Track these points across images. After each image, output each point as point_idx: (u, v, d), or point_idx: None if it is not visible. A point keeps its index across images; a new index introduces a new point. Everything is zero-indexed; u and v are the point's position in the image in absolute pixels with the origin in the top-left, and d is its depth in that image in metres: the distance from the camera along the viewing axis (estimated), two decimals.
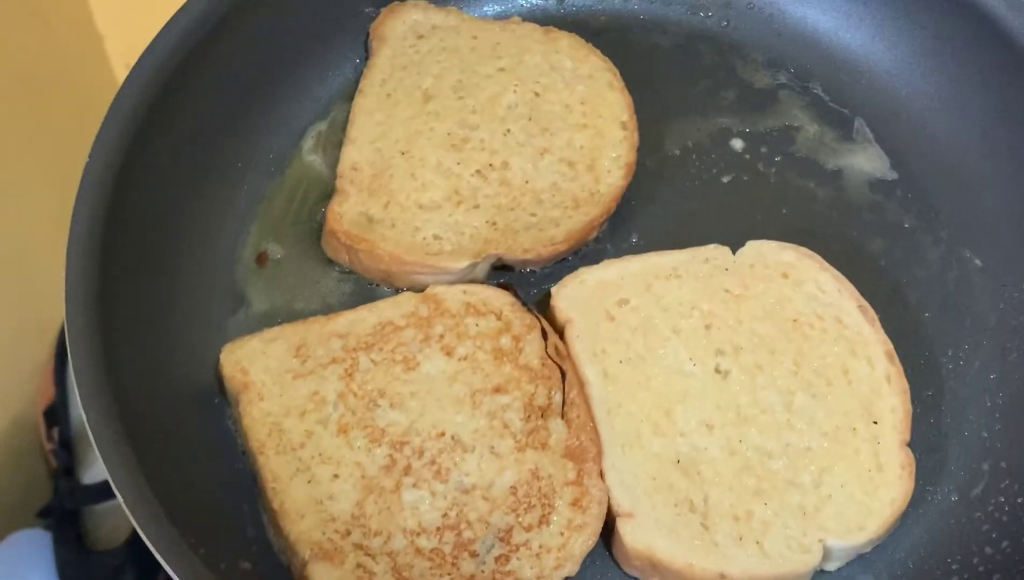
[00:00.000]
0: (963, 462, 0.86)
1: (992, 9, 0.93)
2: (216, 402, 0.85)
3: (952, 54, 0.97)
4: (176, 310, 0.86)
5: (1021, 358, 0.89)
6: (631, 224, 0.95)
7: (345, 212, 0.90)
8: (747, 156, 0.99)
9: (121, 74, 1.20)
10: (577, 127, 0.96)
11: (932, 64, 0.99)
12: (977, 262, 0.94)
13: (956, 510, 0.84)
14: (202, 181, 0.91)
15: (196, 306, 0.88)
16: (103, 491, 1.04)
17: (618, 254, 0.92)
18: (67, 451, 1.12)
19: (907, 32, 0.99)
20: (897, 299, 0.92)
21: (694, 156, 0.98)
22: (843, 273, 0.89)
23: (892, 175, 0.98)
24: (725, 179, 0.97)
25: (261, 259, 0.92)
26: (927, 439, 0.86)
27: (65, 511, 1.10)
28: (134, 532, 1.02)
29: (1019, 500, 0.82)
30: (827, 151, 0.99)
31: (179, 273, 0.87)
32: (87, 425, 0.74)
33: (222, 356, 0.84)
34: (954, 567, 0.81)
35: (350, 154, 0.93)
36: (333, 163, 0.95)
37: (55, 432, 1.13)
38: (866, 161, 0.98)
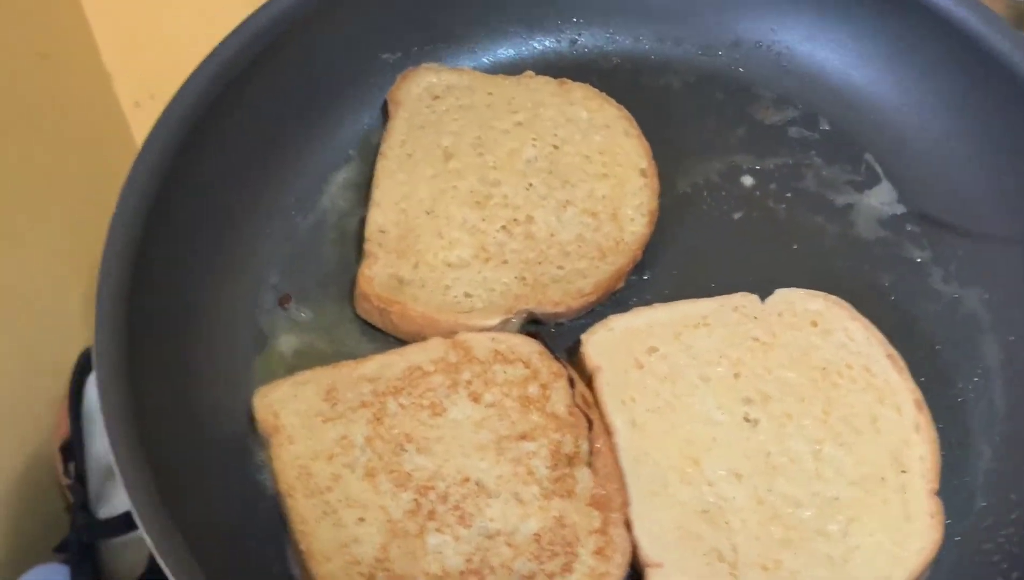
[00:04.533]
0: (974, 495, 0.86)
1: (996, 46, 0.93)
2: (244, 444, 0.86)
3: (959, 91, 0.98)
4: (201, 354, 0.88)
5: None
6: (645, 266, 0.95)
7: (375, 275, 0.91)
8: (757, 192, 1.00)
9: (130, 113, 1.21)
10: (597, 177, 0.97)
11: (939, 101, 0.99)
12: (986, 296, 0.94)
13: (969, 543, 0.83)
14: (226, 226, 0.93)
15: (221, 350, 0.89)
16: (119, 525, 1.05)
17: (638, 298, 0.92)
18: (83, 486, 1.13)
19: (914, 70, 1.00)
20: (908, 333, 0.91)
21: (705, 193, 1.00)
22: (854, 307, 0.89)
23: (901, 209, 0.98)
24: (736, 216, 0.98)
25: (283, 302, 0.94)
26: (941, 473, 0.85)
27: (82, 545, 1.11)
28: (150, 566, 1.04)
29: None
30: (836, 187, 1.00)
31: (204, 317, 0.89)
32: (115, 467, 0.75)
33: (255, 399, 0.86)
34: None
35: (376, 217, 0.94)
36: (352, 207, 0.97)
37: (71, 467, 1.14)
38: (875, 196, 0.99)
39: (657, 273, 0.96)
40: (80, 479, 1.16)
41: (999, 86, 0.94)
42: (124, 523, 1.10)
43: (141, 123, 1.26)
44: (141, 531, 0.73)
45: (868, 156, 1.01)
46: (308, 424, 0.84)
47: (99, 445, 1.19)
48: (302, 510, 0.80)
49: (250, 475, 0.86)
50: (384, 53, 1.04)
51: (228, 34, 0.94)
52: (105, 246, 0.83)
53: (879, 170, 1.00)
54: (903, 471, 0.82)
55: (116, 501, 1.16)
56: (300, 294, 0.94)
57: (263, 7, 0.96)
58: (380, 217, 0.95)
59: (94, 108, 1.30)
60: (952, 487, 0.85)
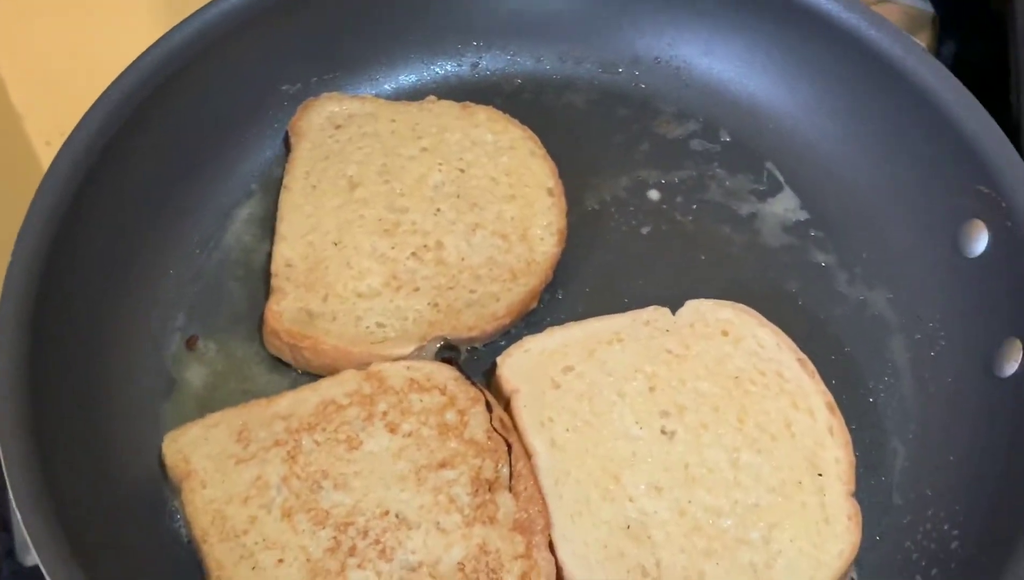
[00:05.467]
0: (891, 494, 0.87)
1: (887, 50, 0.96)
2: (157, 492, 0.84)
3: (853, 96, 1.00)
4: (109, 398, 0.86)
5: (939, 388, 0.90)
6: (558, 285, 0.95)
7: (284, 310, 0.90)
8: (664, 206, 1.01)
9: (42, 152, 1.20)
10: (505, 199, 0.97)
11: (834, 106, 1.02)
12: (890, 296, 0.96)
13: (889, 542, 0.85)
14: (128, 268, 0.91)
15: (128, 396, 0.87)
16: None
17: (552, 318, 0.92)
18: (8, 533, 1.10)
19: (809, 77, 1.03)
20: (817, 337, 0.93)
21: (613, 209, 1.00)
22: (763, 314, 0.90)
23: (804, 215, 1.00)
24: (644, 230, 0.99)
25: (191, 344, 0.92)
26: (855, 472, 0.86)
27: None
28: None
29: (945, 527, 0.83)
30: (740, 196, 1.01)
31: (109, 364, 0.87)
32: (22, 524, 0.72)
33: (164, 445, 0.83)
34: None
35: (282, 251, 0.93)
36: (258, 242, 0.96)
37: None
38: (778, 204, 1.01)
39: (570, 291, 0.96)
40: (4, 527, 1.12)
41: (890, 89, 0.96)
42: None
43: None
44: None
45: (769, 164, 1.03)
46: (220, 467, 0.82)
47: None
48: (218, 555, 0.78)
49: (165, 524, 0.84)
50: (283, 84, 1.03)
51: (119, 75, 0.92)
52: (2, 294, 0.80)
53: (781, 178, 1.02)
54: (819, 474, 0.83)
55: None
56: (208, 334, 0.92)
57: (157, 42, 0.95)
58: (287, 250, 0.93)
59: (4, 147, 1.27)
60: (869, 487, 0.87)
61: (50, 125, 1.23)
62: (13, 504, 1.12)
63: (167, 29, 0.95)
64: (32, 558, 1.12)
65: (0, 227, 1.11)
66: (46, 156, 1.27)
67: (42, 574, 1.09)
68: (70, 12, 1.23)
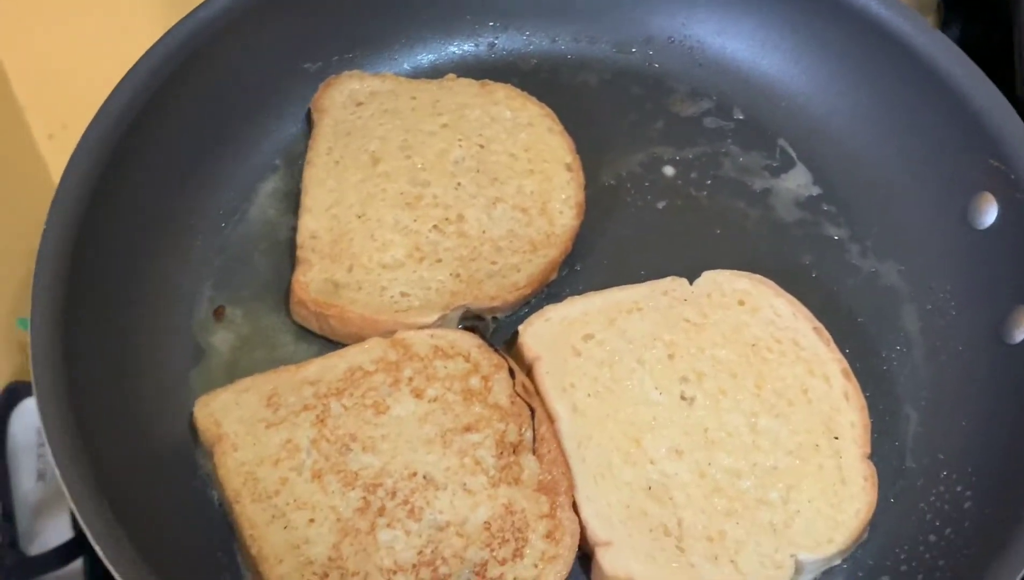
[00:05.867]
0: (905, 458, 0.89)
1: (897, 28, 0.98)
2: (189, 456, 0.86)
3: (863, 73, 1.02)
4: (140, 371, 0.87)
5: (950, 356, 0.92)
6: (576, 258, 0.97)
7: (311, 281, 0.92)
8: (679, 182, 1.03)
9: (44, 144, 1.20)
10: (525, 173, 0.99)
11: (845, 83, 1.03)
12: (902, 267, 0.98)
13: (902, 503, 0.87)
14: (155, 243, 0.93)
15: (159, 365, 0.89)
16: (51, 562, 1.03)
17: (571, 289, 0.94)
18: (11, 523, 1.11)
19: (819, 55, 1.04)
20: (831, 307, 0.95)
21: (629, 185, 1.02)
22: (778, 286, 0.92)
23: (816, 191, 1.02)
24: (660, 205, 1.01)
25: (218, 314, 0.93)
26: (870, 437, 0.87)
27: None
28: None
29: (958, 488, 0.85)
30: (754, 172, 1.03)
31: (140, 335, 0.89)
32: (60, 481, 0.74)
33: (195, 409, 0.85)
34: (902, 556, 0.84)
35: (307, 224, 0.95)
36: (282, 216, 0.98)
37: None
38: (791, 180, 1.03)
39: (588, 264, 0.98)
40: (7, 517, 1.13)
41: (901, 68, 0.98)
42: (56, 559, 1.08)
43: (55, 154, 1.25)
44: (95, 548, 0.72)
45: (782, 141, 1.05)
46: (251, 430, 0.84)
47: (26, 482, 1.16)
48: (251, 515, 0.80)
49: (196, 487, 0.85)
50: (305, 63, 1.04)
51: (146, 51, 0.94)
52: (35, 273, 0.82)
53: (793, 154, 1.04)
54: (835, 438, 0.85)
55: (46, 537, 1.13)
56: (235, 305, 0.94)
57: (180, 22, 0.96)
58: (312, 223, 0.95)
59: (6, 141, 1.28)
60: (883, 451, 0.89)
61: (52, 118, 1.24)
62: (14, 494, 1.14)
63: (170, 25, 0.96)
64: (35, 547, 1.14)
65: (2, 220, 1.12)
66: (48, 149, 1.28)
67: (43, 562, 1.11)
68: (74, 5, 1.24)
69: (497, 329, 0.94)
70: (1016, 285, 0.90)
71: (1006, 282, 0.91)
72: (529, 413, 0.86)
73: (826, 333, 0.90)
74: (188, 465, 0.86)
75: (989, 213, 0.93)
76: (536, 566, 0.80)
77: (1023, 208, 0.89)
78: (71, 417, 0.77)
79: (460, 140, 1.00)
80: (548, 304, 0.92)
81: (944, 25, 1.25)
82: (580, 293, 0.94)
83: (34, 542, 1.14)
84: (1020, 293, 0.89)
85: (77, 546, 0.98)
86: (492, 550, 0.80)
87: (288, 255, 0.96)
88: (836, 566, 0.84)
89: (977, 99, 0.94)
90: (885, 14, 0.98)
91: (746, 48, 1.08)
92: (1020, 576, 0.75)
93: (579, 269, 0.98)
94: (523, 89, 1.05)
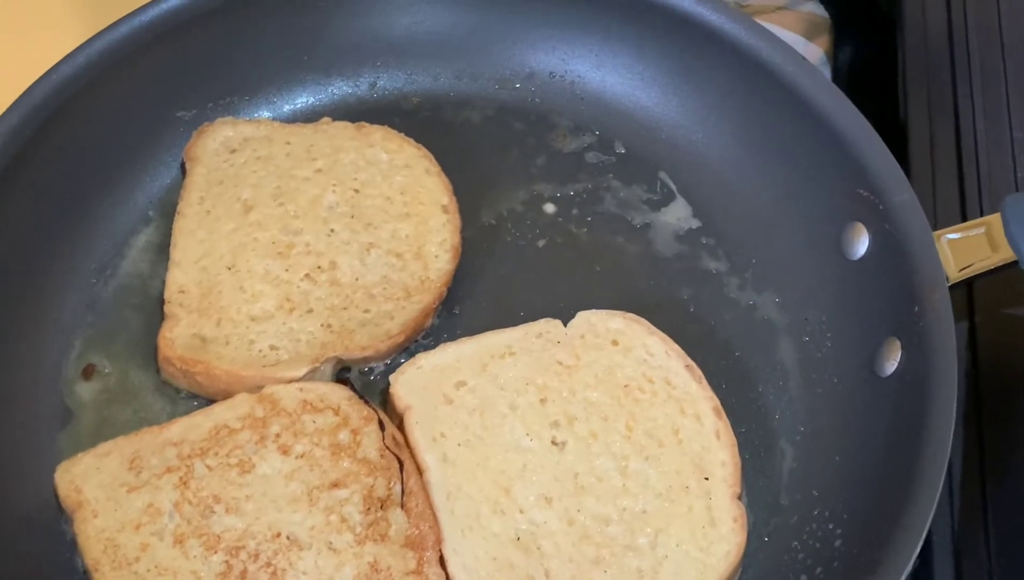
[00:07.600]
0: (779, 494, 0.88)
1: (768, 59, 0.98)
2: (54, 523, 0.84)
3: (737, 104, 1.02)
4: (4, 428, 0.86)
5: (826, 389, 0.92)
6: (455, 301, 0.97)
7: (177, 337, 0.90)
8: (560, 219, 1.02)
9: None
10: (400, 217, 0.98)
11: (721, 115, 1.04)
12: (778, 299, 0.97)
13: (775, 542, 0.86)
14: (23, 297, 0.91)
15: (24, 423, 0.87)
16: None
17: (449, 334, 0.94)
18: None
19: (695, 86, 1.05)
20: (708, 342, 0.95)
21: (509, 224, 1.02)
22: (655, 323, 0.92)
23: (696, 223, 1.02)
24: (540, 243, 1.01)
25: (87, 372, 0.92)
26: (744, 474, 0.87)
27: None
28: None
29: (830, 526, 0.84)
30: (634, 206, 1.03)
31: (5, 390, 0.87)
32: None
33: (56, 476, 0.84)
34: None
35: (176, 277, 0.93)
36: (155, 269, 0.97)
37: None
38: (671, 213, 1.02)
39: (467, 307, 0.97)
40: None
41: (771, 97, 0.98)
42: None
43: None
44: None
45: (662, 174, 1.04)
46: (112, 495, 0.82)
47: None
48: None
49: (64, 556, 0.84)
50: (179, 111, 1.03)
51: (9, 106, 0.93)
52: None
53: (673, 187, 1.04)
54: (706, 478, 0.85)
55: None
56: (104, 363, 0.93)
57: (46, 74, 0.95)
58: (180, 277, 0.94)
59: None
60: (758, 488, 0.88)
61: None
62: None
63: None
64: None
65: None
66: None
67: None
68: None
69: (374, 379, 0.93)
70: (887, 316, 0.89)
71: (878, 313, 0.90)
72: (398, 466, 0.85)
73: (698, 370, 0.90)
74: (55, 533, 0.85)
75: (861, 243, 0.93)
76: None
77: (891, 238, 0.89)
78: None
79: (334, 185, 0.99)
80: (422, 351, 0.92)
81: (836, 47, 1.25)
82: (458, 337, 0.93)
83: None
84: (891, 325, 0.88)
85: None
86: None
87: (160, 310, 0.94)
88: None
89: (846, 130, 0.93)
90: (756, 45, 0.98)
91: (625, 82, 1.08)
92: None
93: (457, 312, 0.97)
94: (405, 129, 1.05)
